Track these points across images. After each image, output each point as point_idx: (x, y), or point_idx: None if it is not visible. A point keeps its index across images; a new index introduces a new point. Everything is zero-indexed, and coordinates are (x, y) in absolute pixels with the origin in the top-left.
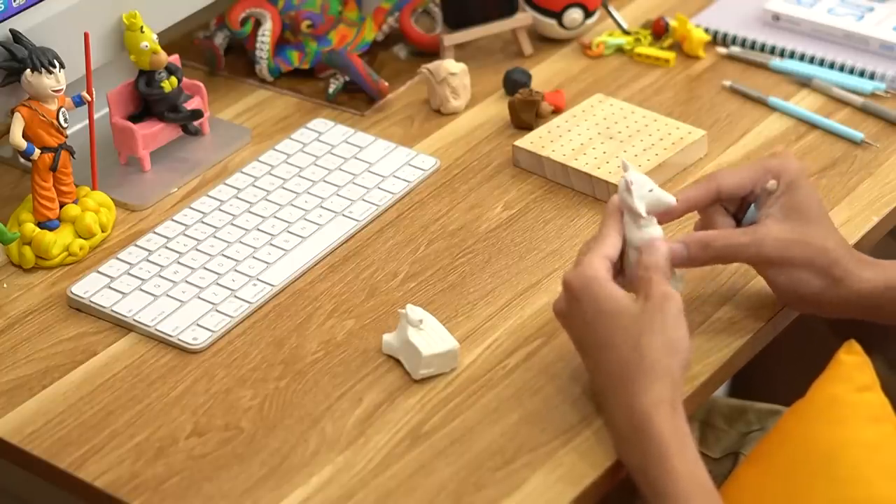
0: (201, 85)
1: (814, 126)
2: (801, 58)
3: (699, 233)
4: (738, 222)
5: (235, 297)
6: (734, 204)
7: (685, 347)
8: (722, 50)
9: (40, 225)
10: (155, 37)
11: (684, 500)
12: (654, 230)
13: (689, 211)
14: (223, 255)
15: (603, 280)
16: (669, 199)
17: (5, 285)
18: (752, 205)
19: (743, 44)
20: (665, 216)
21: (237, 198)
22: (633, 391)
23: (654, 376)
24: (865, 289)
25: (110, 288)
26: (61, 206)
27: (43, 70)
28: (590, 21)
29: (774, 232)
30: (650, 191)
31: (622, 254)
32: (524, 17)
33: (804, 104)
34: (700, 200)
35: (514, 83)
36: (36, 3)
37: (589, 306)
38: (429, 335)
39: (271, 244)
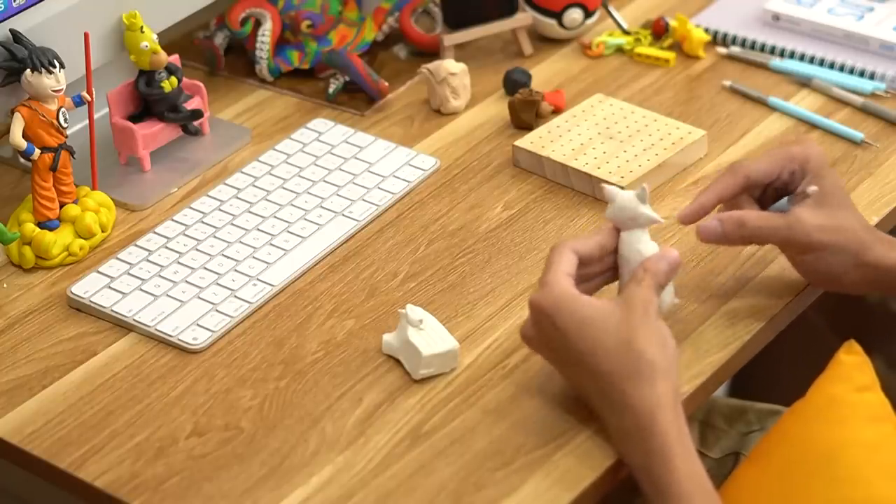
0: (201, 85)
1: (814, 126)
2: (801, 58)
3: (735, 212)
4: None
5: (235, 297)
6: (758, 192)
7: (673, 344)
8: (722, 50)
9: (40, 225)
10: (155, 37)
11: (687, 499)
12: (649, 246)
13: (720, 202)
14: (223, 255)
15: (574, 293)
16: (655, 216)
17: (5, 285)
18: (786, 198)
19: (743, 44)
20: (697, 213)
21: (237, 198)
22: (634, 389)
23: (655, 374)
24: (892, 266)
25: (110, 288)
26: (61, 206)
27: (43, 70)
28: (590, 21)
29: (807, 218)
30: (634, 205)
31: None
32: (524, 17)
33: (804, 104)
34: (728, 192)
35: (514, 83)
36: (36, 3)
37: (567, 319)
38: (429, 335)
39: (271, 244)
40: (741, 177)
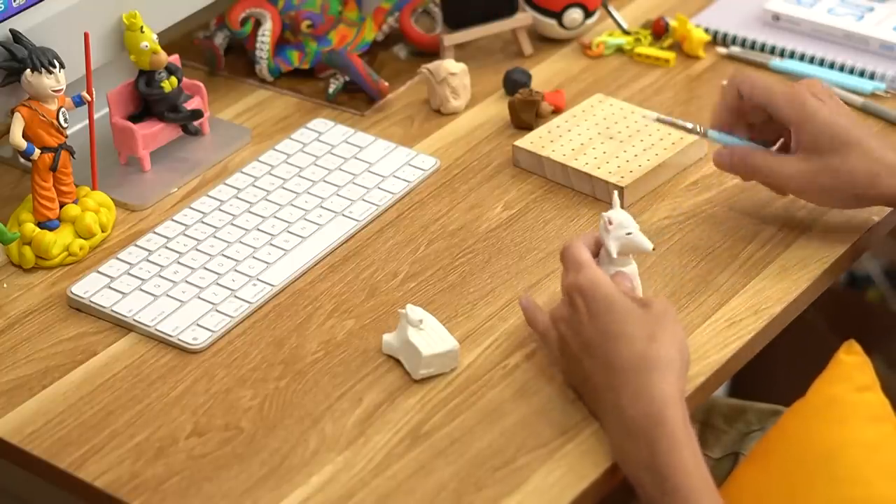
0: (201, 85)
1: None
2: (801, 58)
3: (744, 147)
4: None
5: (235, 297)
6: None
7: (688, 352)
8: (722, 50)
9: (40, 225)
10: (155, 37)
11: (696, 494)
12: (628, 269)
13: (722, 122)
14: (223, 255)
15: (609, 283)
16: (646, 245)
17: (5, 285)
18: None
19: (743, 44)
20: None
21: (237, 198)
22: (649, 381)
23: (671, 369)
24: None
25: (110, 288)
26: (61, 206)
27: (43, 70)
28: (590, 21)
29: (795, 168)
30: (628, 234)
31: None
32: (524, 17)
33: None
34: (730, 101)
35: (514, 83)
36: (36, 3)
37: (600, 303)
38: (429, 335)
39: (271, 244)
40: (733, 87)
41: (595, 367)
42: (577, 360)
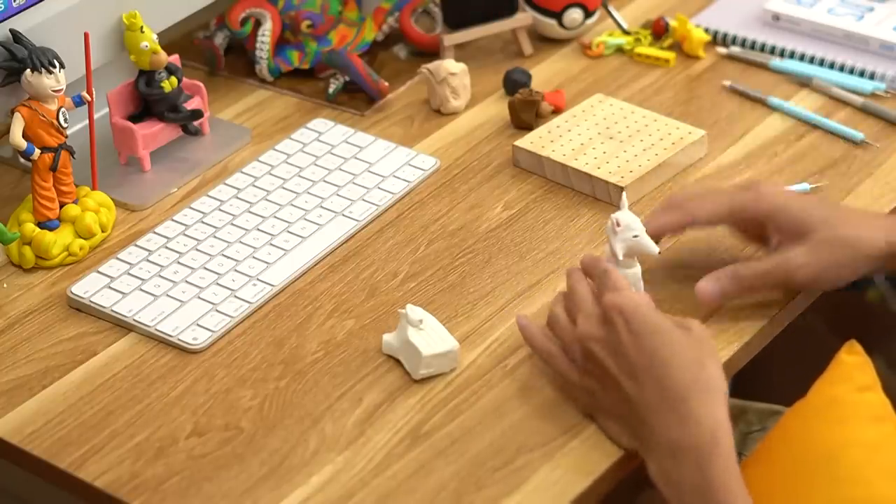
0: (201, 85)
1: (814, 126)
2: (801, 58)
3: (729, 267)
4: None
5: (235, 297)
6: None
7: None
8: (722, 50)
9: (40, 225)
10: (155, 37)
11: None
12: (632, 271)
13: (661, 236)
14: (223, 255)
15: (652, 305)
16: (652, 249)
17: (5, 285)
18: None
19: (743, 44)
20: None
21: (237, 198)
22: (702, 405)
23: (721, 397)
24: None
25: (110, 288)
26: (61, 206)
27: (43, 70)
28: (590, 21)
29: (795, 254)
30: (635, 236)
31: None
32: (524, 17)
33: (804, 104)
34: (671, 228)
35: (514, 83)
36: (36, 3)
37: (642, 324)
38: (429, 335)
39: (271, 244)
40: (687, 216)
41: (639, 390)
42: (614, 384)
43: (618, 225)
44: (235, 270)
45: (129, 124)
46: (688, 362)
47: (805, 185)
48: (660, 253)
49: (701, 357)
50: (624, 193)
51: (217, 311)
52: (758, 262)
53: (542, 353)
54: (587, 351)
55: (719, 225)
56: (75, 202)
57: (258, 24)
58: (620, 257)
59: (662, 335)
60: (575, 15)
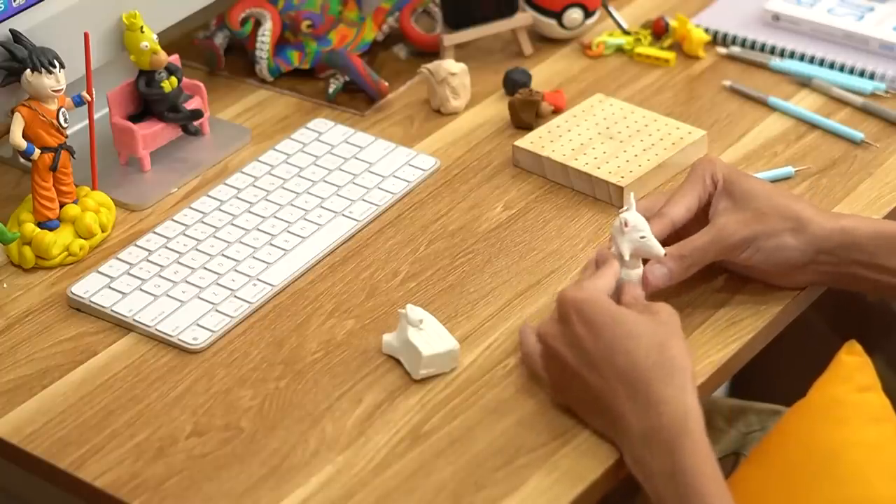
0: (201, 85)
1: (814, 126)
2: (801, 58)
3: (672, 247)
4: None
5: (235, 297)
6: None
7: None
8: (722, 50)
9: (40, 225)
10: (155, 37)
11: (717, 500)
12: (635, 272)
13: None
14: (223, 255)
15: (606, 297)
16: (658, 250)
17: (5, 285)
18: None
19: (743, 44)
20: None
21: (237, 198)
22: (667, 389)
23: (686, 380)
24: (828, 233)
25: (110, 288)
26: (61, 206)
27: (43, 70)
28: (590, 21)
29: (730, 220)
30: (642, 237)
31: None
32: (524, 17)
33: (804, 104)
34: (660, 238)
35: (514, 83)
36: (36, 3)
37: (599, 316)
38: (429, 335)
39: (271, 244)
40: (667, 223)
41: (602, 381)
42: (576, 377)
43: (626, 225)
44: (235, 270)
45: (129, 124)
46: (648, 347)
47: (790, 169)
48: (666, 255)
49: (663, 339)
50: (632, 194)
51: (217, 311)
52: (696, 237)
53: (522, 355)
54: (548, 348)
55: (699, 211)
56: (75, 202)
57: (258, 24)
58: (626, 258)
59: (621, 325)
60: (575, 15)
